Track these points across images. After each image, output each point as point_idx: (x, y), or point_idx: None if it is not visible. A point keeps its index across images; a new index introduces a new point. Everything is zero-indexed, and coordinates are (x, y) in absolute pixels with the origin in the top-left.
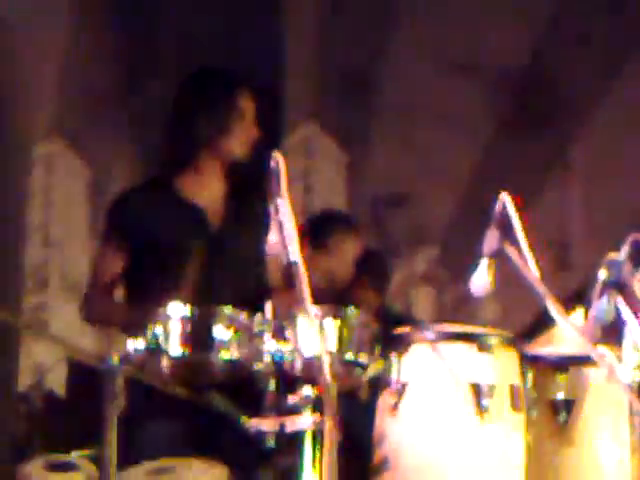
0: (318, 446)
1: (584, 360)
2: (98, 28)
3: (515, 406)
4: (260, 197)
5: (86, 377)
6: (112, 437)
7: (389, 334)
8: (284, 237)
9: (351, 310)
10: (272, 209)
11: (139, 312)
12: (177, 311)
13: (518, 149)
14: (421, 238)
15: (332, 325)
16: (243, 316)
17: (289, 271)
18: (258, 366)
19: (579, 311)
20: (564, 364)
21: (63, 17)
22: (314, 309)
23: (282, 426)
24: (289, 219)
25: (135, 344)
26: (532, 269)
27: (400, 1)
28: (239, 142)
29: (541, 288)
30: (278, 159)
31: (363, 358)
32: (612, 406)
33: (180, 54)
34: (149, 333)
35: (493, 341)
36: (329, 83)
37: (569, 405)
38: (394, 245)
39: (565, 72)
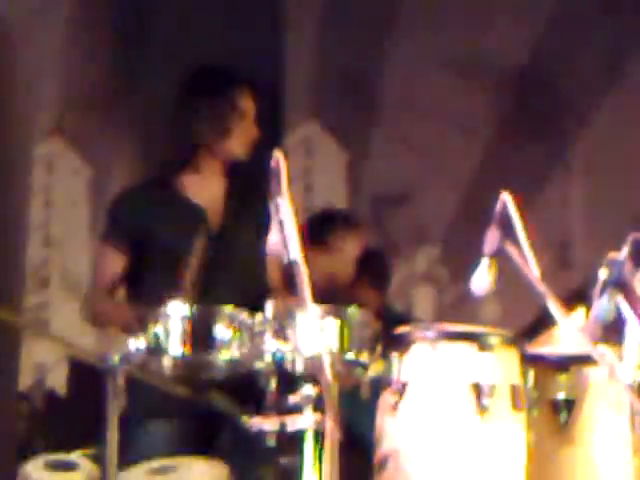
0: (319, 445)
1: (585, 360)
2: (98, 28)
3: (516, 406)
4: (260, 196)
5: (87, 376)
6: (113, 436)
7: (390, 333)
8: (284, 236)
9: (352, 310)
10: (272, 208)
11: (139, 311)
12: (178, 310)
13: (518, 149)
14: (421, 237)
15: (333, 324)
16: (244, 315)
17: (290, 270)
18: (259, 365)
19: (580, 310)
20: (565, 364)
21: (63, 17)
22: (315, 308)
23: (283, 425)
24: (289, 218)
25: (136, 343)
26: (533, 268)
27: (400, 1)
28: (239, 142)
29: (542, 287)
30: (278, 158)
31: (364, 357)
32: (613, 406)
33: (180, 54)
34: (150, 332)
35: (494, 341)
36: (329, 82)
37: (570, 405)
38: (394, 244)
39: (565, 72)
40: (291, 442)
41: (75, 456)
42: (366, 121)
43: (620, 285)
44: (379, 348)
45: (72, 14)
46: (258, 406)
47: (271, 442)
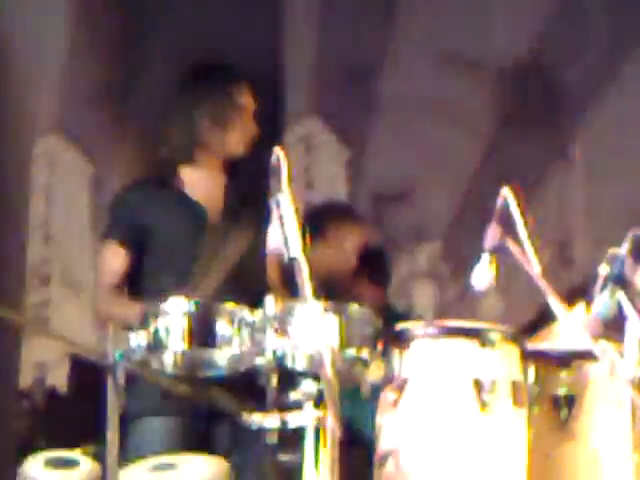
0: (320, 442)
1: (586, 355)
2: (98, 28)
3: (517, 402)
4: (261, 194)
5: (88, 374)
6: (114, 434)
7: (391, 330)
8: (285, 234)
9: (353, 306)
10: (273, 206)
11: (144, 308)
12: (179, 307)
13: (519, 145)
14: (422, 234)
15: (334, 321)
16: (244, 312)
17: (290, 268)
18: (259, 362)
19: (580, 306)
20: (566, 359)
21: (63, 16)
22: (316, 305)
23: (283, 422)
24: (290, 216)
25: (136, 340)
26: (534, 264)
27: None
28: (239, 138)
29: (543, 283)
30: (279, 156)
31: (364, 354)
32: (614, 401)
33: (180, 54)
34: (151, 329)
35: (495, 336)
36: (329, 80)
37: (571, 400)
38: (395, 241)
39: (566, 70)
40: (292, 438)
41: (76, 454)
42: (366, 118)
43: (621, 281)
44: (380, 345)
45: (72, 14)
46: (259, 403)
47: (272, 438)
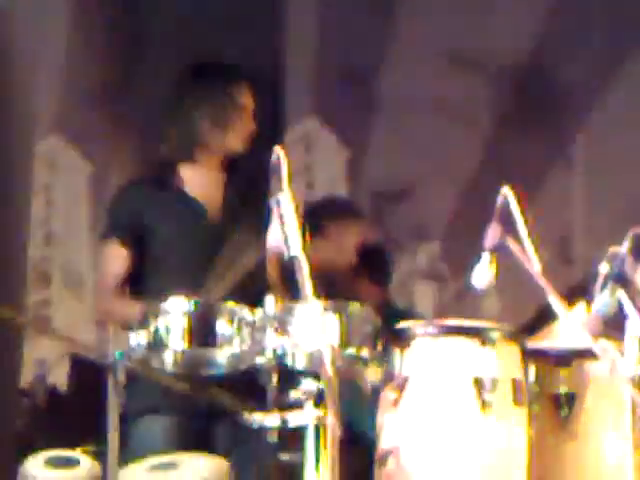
0: (320, 441)
1: (586, 354)
2: (98, 27)
3: (517, 400)
4: (261, 193)
5: (88, 373)
6: (114, 433)
7: (391, 329)
8: (285, 233)
9: (353, 305)
10: (273, 205)
11: (142, 307)
12: (179, 306)
13: (519, 144)
14: (422, 233)
15: (334, 320)
16: (245, 311)
17: (290, 267)
18: (260, 361)
19: (581, 305)
20: (566, 358)
21: (63, 16)
22: (316, 304)
23: (284, 421)
24: (290, 215)
25: (137, 339)
26: (534, 263)
27: None
28: (238, 136)
29: (543, 282)
30: (279, 155)
31: (365, 353)
32: (614, 400)
33: (180, 54)
34: (151, 328)
35: (495, 335)
36: (329, 79)
37: (571, 399)
38: (395, 240)
39: (566, 69)
40: (293, 437)
41: (76, 453)
42: (366, 118)
43: (621, 279)
44: (380, 344)
45: (72, 14)
46: (259, 402)
47: (272, 437)
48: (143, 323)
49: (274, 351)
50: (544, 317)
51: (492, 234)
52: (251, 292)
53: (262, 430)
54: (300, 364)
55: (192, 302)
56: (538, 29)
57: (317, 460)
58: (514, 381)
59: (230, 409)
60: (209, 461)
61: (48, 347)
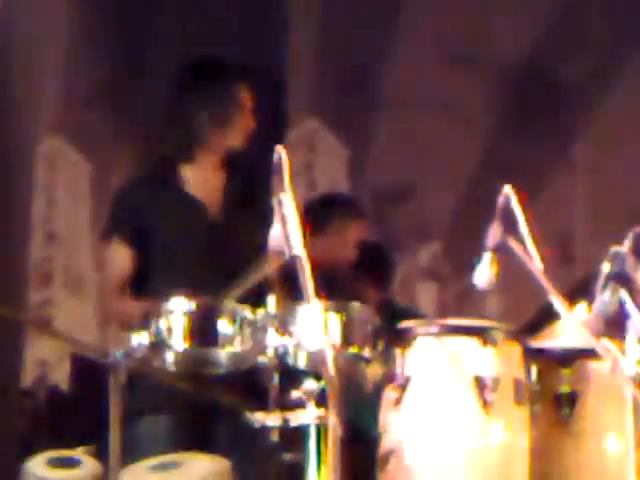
0: (322, 440)
1: (588, 353)
2: (98, 27)
3: (519, 400)
4: (262, 192)
5: (90, 373)
6: (116, 433)
7: (393, 328)
8: (287, 232)
9: (354, 305)
10: (275, 204)
11: (145, 307)
12: (181, 305)
13: (520, 143)
14: (423, 233)
15: (336, 319)
16: (246, 311)
17: (292, 266)
18: (261, 361)
19: (582, 304)
20: (568, 357)
21: (63, 16)
22: (318, 303)
23: (286, 420)
24: (292, 214)
25: (139, 339)
26: (535, 262)
27: None
28: (237, 132)
29: (544, 281)
30: (281, 154)
31: (366, 352)
32: (616, 399)
33: (180, 54)
34: (153, 327)
35: (497, 335)
36: (331, 79)
37: (573, 398)
38: (396, 240)
39: (567, 69)
40: (294, 437)
41: (78, 453)
42: (367, 117)
43: (623, 279)
44: (381, 344)
45: (73, 14)
46: (261, 401)
47: (274, 437)
48: (145, 323)
49: (275, 351)
50: (546, 317)
51: (493, 234)
52: (252, 290)
53: (264, 430)
54: (302, 364)
55: (193, 302)
56: (538, 29)
57: (319, 460)
58: (516, 380)
59: (231, 409)
60: (211, 461)
61: (49, 347)
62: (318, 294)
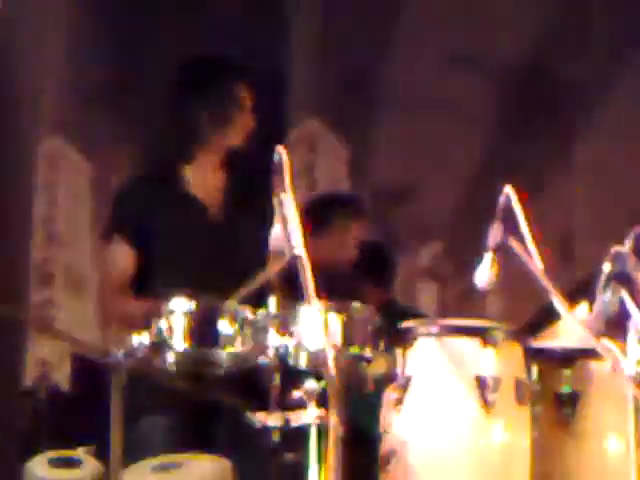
0: (323, 440)
1: (589, 353)
2: (98, 28)
3: (520, 400)
4: (263, 192)
5: (91, 372)
6: (117, 433)
7: (394, 328)
8: (288, 232)
9: (355, 305)
10: (276, 204)
11: (147, 307)
12: (181, 305)
13: (521, 144)
14: (424, 233)
15: (336, 319)
16: (247, 311)
17: (292, 266)
18: (262, 361)
19: (583, 304)
20: (569, 357)
21: (64, 16)
22: (318, 304)
23: (287, 421)
24: (293, 214)
25: (140, 339)
26: (536, 262)
27: None
28: (237, 131)
29: (545, 281)
30: (281, 154)
31: (367, 352)
32: (617, 399)
33: (180, 54)
34: (153, 327)
35: (497, 335)
36: (331, 79)
37: (574, 398)
38: (397, 240)
39: (567, 68)
40: (295, 437)
41: (79, 453)
42: (368, 117)
43: (624, 278)
44: (383, 343)
45: (72, 14)
46: (262, 402)
47: (275, 437)
48: (146, 323)
49: (276, 351)
50: (546, 317)
51: (494, 234)
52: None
53: (264, 430)
54: (302, 364)
55: (194, 302)
56: (538, 29)
57: (319, 460)
58: (517, 380)
59: (232, 409)
60: (212, 461)
61: (51, 347)
62: (319, 294)
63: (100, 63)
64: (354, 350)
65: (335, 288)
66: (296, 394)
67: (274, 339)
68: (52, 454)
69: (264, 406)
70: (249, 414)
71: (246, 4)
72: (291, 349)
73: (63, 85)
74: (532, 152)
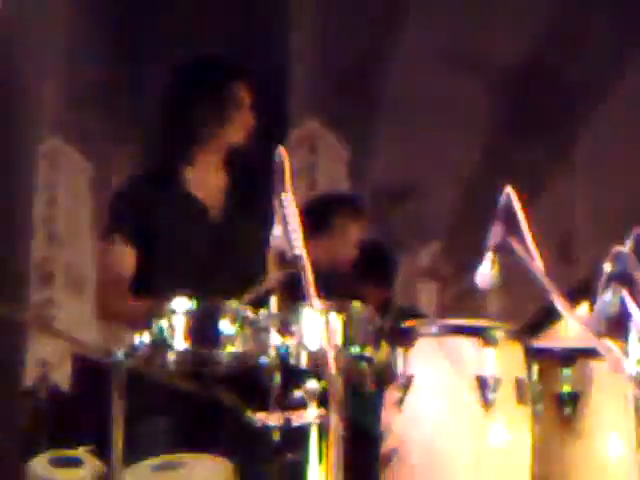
0: (324, 440)
1: (590, 353)
2: (98, 28)
3: (521, 400)
4: (263, 192)
5: (91, 372)
6: (118, 432)
7: (395, 328)
8: (288, 232)
9: (356, 304)
10: (276, 204)
11: (147, 307)
12: (182, 305)
13: (521, 144)
14: (424, 233)
15: (337, 319)
16: (248, 310)
17: (293, 266)
18: (263, 360)
19: (584, 304)
20: (570, 357)
21: (64, 16)
22: (319, 303)
23: (288, 420)
24: (293, 214)
25: (140, 338)
26: (537, 262)
27: None
28: (237, 130)
29: (546, 281)
30: (281, 154)
31: (368, 352)
32: (618, 399)
33: (180, 54)
34: (154, 327)
35: (498, 335)
36: (331, 80)
37: (575, 398)
38: (397, 240)
39: (567, 69)
40: (296, 437)
41: (80, 453)
42: (368, 117)
43: (624, 278)
44: (384, 342)
45: (72, 14)
46: (262, 401)
47: (276, 437)
48: (146, 323)
49: (277, 351)
50: (546, 317)
51: (495, 233)
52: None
53: (265, 430)
54: (303, 364)
55: (195, 301)
56: (538, 29)
57: (320, 460)
58: (517, 380)
59: (233, 409)
60: (213, 461)
61: (51, 347)
62: (319, 294)
63: (100, 63)
64: (354, 350)
65: (335, 288)
66: (297, 394)
67: (275, 339)
68: (53, 454)
69: (265, 406)
70: (250, 414)
71: (246, 4)
72: (292, 349)
73: (63, 85)
74: (532, 152)
